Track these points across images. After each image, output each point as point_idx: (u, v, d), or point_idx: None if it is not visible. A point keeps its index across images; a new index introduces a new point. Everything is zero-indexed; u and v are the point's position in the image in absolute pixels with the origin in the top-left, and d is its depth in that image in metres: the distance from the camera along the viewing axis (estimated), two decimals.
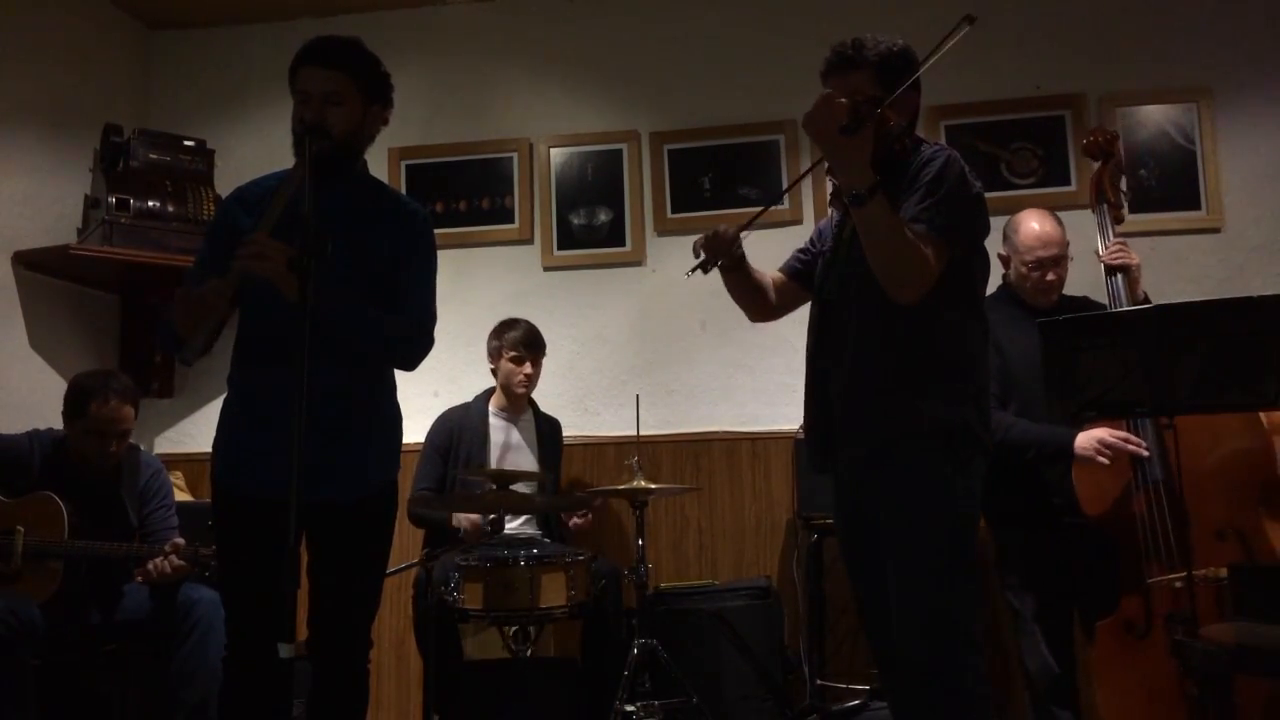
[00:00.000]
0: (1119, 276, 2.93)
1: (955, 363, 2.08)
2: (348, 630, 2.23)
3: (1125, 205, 3.15)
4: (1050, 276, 2.96)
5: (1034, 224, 2.99)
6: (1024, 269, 2.98)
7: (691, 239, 3.91)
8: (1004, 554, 2.99)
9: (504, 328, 3.67)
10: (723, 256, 2.25)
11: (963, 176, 2.05)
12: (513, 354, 3.62)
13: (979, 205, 2.10)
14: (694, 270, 2.28)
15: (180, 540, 2.94)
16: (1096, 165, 3.10)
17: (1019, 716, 3.14)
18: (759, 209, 2.24)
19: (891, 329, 2.05)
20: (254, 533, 2.13)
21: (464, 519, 3.42)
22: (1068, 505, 2.77)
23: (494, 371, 3.69)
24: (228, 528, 2.24)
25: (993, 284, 3.14)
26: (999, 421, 2.89)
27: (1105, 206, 3.04)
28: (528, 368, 3.62)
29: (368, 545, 2.27)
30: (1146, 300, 2.95)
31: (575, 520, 3.63)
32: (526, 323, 3.68)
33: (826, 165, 2.10)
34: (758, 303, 2.39)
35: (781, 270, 2.43)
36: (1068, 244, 3.01)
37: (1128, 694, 2.62)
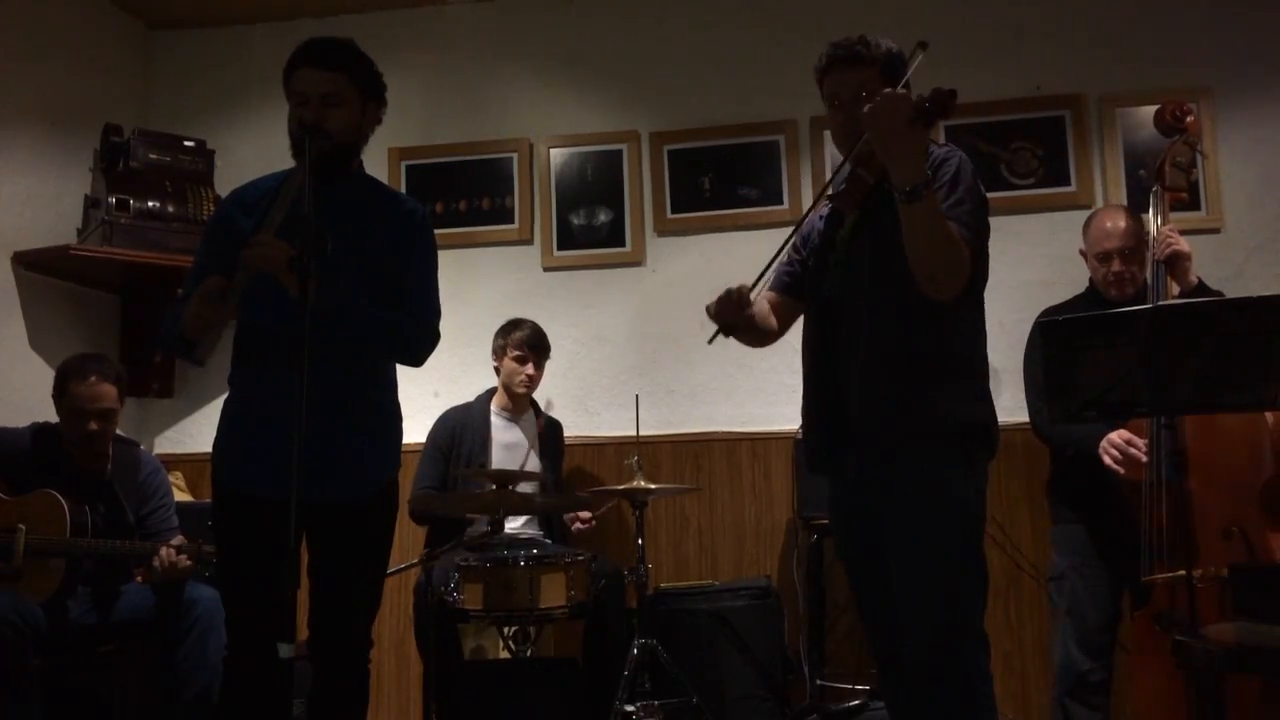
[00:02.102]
0: (1163, 266, 2.84)
1: (969, 361, 2.09)
2: (348, 630, 2.24)
3: (1185, 190, 2.96)
4: (1117, 267, 2.96)
5: (1104, 218, 3.03)
6: (1095, 262, 3.02)
7: (692, 239, 3.98)
8: (1056, 543, 3.02)
9: (510, 327, 3.68)
10: (737, 316, 2.15)
11: (975, 178, 2.07)
12: (516, 353, 3.62)
13: (988, 205, 2.12)
14: (714, 338, 2.18)
15: (183, 537, 2.93)
16: (1170, 141, 2.95)
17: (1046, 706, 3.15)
18: (770, 262, 2.18)
19: (906, 327, 2.04)
20: (254, 532, 2.13)
21: None
22: (1123, 495, 2.76)
23: (497, 370, 3.70)
24: (228, 527, 2.24)
25: (1080, 284, 3.15)
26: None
27: (1160, 189, 2.91)
28: (530, 368, 3.63)
29: (368, 545, 2.27)
30: (1202, 285, 2.90)
31: (579, 525, 3.64)
32: (532, 323, 3.69)
33: (846, 166, 2.09)
34: (763, 336, 2.36)
35: (773, 289, 2.38)
36: (1142, 237, 2.96)
37: (1156, 681, 2.64)
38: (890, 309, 2.05)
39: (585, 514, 3.65)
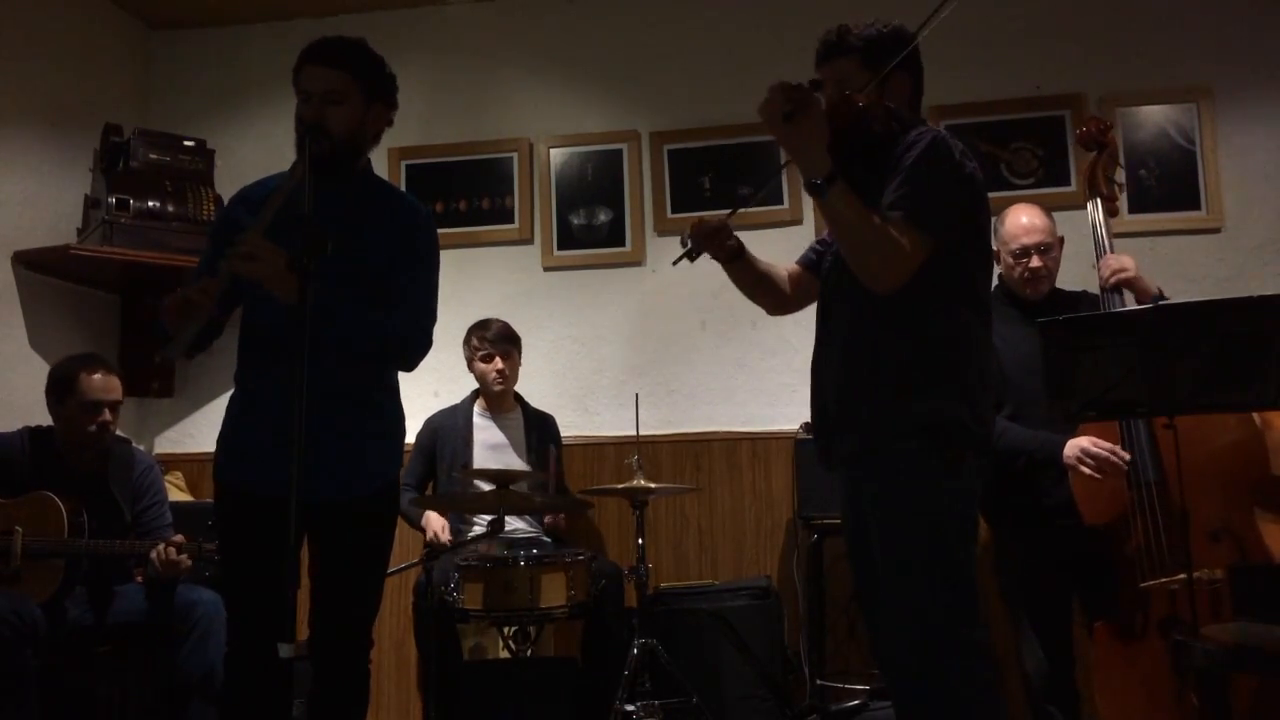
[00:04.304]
0: (1120, 294, 2.87)
1: (946, 358, 2.02)
2: (348, 630, 2.24)
3: (1120, 198, 3.11)
4: (1035, 263, 2.94)
5: (1020, 214, 3.01)
6: (1010, 259, 2.98)
7: None
8: (999, 553, 2.99)
9: (473, 329, 3.68)
10: (709, 246, 2.20)
11: (949, 158, 1.97)
12: (481, 352, 3.63)
13: (969, 187, 2.02)
14: (679, 259, 2.22)
15: (181, 537, 2.93)
16: (1091, 155, 3.06)
17: (1016, 715, 3.14)
18: (747, 194, 2.22)
19: (881, 323, 2.01)
20: (255, 530, 2.13)
21: (434, 524, 3.43)
22: (1060, 508, 2.75)
23: (475, 376, 3.70)
24: (229, 525, 2.24)
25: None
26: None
27: (1099, 199, 3.00)
28: (498, 363, 3.62)
29: (368, 544, 2.27)
30: (1163, 298, 2.89)
31: (548, 519, 3.60)
32: (497, 321, 3.68)
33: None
34: (769, 295, 2.34)
35: (798, 262, 2.38)
36: (1057, 235, 2.99)
37: (1125, 695, 2.62)
38: (868, 306, 2.01)
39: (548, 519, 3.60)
